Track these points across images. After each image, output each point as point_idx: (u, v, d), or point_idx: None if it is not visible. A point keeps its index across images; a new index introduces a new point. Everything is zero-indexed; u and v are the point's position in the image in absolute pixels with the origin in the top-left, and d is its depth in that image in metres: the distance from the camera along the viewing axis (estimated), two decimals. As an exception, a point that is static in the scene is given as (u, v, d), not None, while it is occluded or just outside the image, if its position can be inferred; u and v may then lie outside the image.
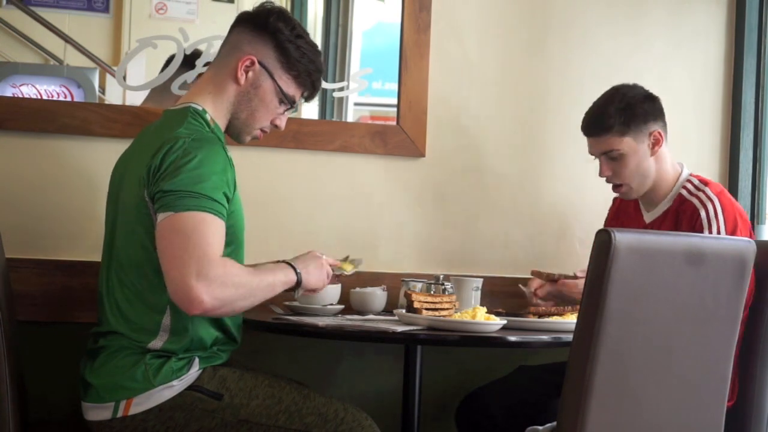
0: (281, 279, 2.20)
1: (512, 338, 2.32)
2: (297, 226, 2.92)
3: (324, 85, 3.03)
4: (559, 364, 2.85)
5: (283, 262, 2.25)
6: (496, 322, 2.33)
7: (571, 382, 2.09)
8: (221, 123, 2.30)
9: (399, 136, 3.01)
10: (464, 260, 3.06)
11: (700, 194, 2.63)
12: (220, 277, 2.02)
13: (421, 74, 3.02)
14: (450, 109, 3.08)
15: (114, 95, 2.88)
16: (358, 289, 2.70)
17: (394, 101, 3.03)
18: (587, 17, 3.22)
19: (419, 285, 2.63)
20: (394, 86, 3.03)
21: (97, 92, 2.87)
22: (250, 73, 2.27)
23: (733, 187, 3.30)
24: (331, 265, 2.35)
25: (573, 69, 3.19)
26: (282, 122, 2.36)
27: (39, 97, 2.81)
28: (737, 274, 2.16)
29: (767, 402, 2.47)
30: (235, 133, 2.34)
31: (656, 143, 2.68)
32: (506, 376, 2.84)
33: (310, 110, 3.10)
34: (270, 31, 2.28)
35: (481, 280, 2.70)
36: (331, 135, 2.96)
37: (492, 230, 3.09)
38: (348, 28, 3.15)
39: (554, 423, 2.24)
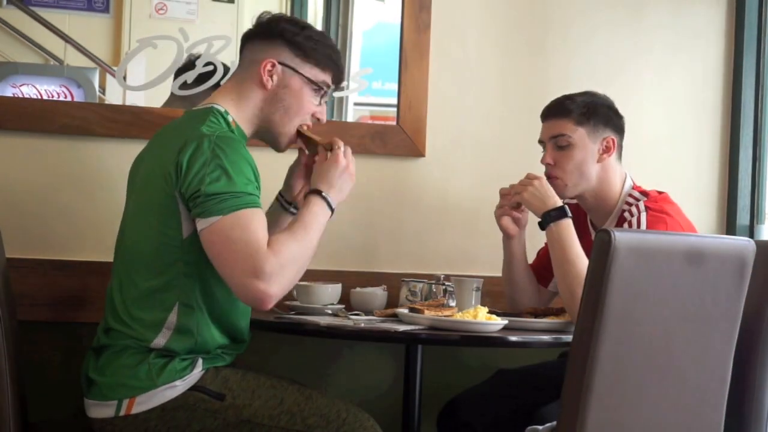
0: (322, 221, 2.24)
1: (512, 338, 2.32)
2: (297, 226, 2.91)
3: (324, 85, 3.04)
4: (538, 366, 2.85)
5: (314, 192, 2.27)
6: (497, 322, 2.33)
7: (571, 382, 2.08)
8: (245, 127, 2.31)
9: (399, 136, 3.01)
10: (464, 260, 3.06)
11: (632, 208, 2.57)
12: (275, 266, 2.07)
13: (421, 74, 3.02)
14: (450, 109, 3.08)
15: (114, 95, 2.88)
16: (358, 289, 2.71)
17: (394, 101, 3.03)
18: (587, 17, 3.21)
19: (419, 285, 2.63)
20: (394, 86, 3.03)
21: (97, 92, 2.87)
22: (275, 76, 2.30)
23: (733, 187, 3.30)
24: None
25: (573, 69, 3.19)
26: (323, 115, 2.39)
27: (39, 97, 2.81)
28: (737, 274, 2.16)
29: (767, 402, 2.47)
30: (272, 137, 2.35)
31: (606, 150, 2.64)
32: (485, 382, 2.83)
33: (310, 110, 3.10)
34: (277, 33, 2.32)
35: (481, 280, 2.70)
36: (331, 135, 2.95)
37: (492, 230, 3.08)
38: (348, 28, 3.16)
39: (554, 423, 2.24)
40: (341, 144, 2.35)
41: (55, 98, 2.82)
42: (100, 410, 2.17)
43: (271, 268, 2.06)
